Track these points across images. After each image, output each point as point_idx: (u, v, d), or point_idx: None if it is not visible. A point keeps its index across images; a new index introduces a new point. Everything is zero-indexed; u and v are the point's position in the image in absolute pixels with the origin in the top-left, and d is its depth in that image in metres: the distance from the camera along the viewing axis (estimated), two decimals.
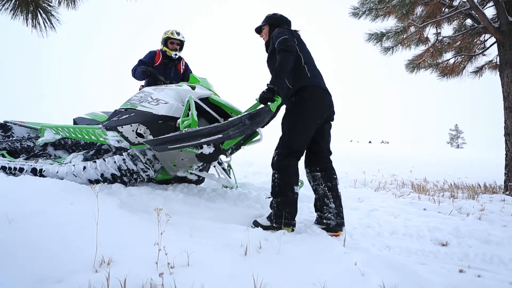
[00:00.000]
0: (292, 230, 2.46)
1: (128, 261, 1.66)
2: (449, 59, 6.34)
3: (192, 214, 2.59)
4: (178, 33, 4.12)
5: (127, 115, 3.18)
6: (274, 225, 2.44)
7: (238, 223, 2.46)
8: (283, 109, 2.84)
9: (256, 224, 2.50)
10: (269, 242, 2.06)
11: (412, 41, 5.97)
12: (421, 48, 6.19)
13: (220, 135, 2.48)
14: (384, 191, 4.54)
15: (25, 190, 2.78)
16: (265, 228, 2.41)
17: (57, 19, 2.47)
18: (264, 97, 2.46)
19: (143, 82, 4.23)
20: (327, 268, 1.73)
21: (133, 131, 3.12)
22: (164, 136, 2.73)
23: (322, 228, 2.50)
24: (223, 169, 3.86)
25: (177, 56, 4.17)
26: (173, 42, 4.12)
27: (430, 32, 6.00)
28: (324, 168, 2.65)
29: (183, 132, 2.63)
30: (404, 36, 5.84)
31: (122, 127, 3.13)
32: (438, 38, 6.06)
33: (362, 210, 3.27)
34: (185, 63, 4.38)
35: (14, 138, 4.34)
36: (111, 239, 1.86)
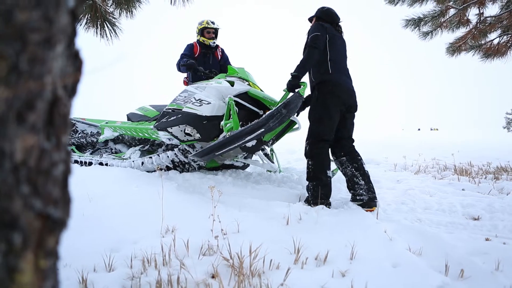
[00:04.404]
0: (328, 208, 2.71)
1: (188, 229, 2.01)
2: (494, 39, 6.17)
3: (240, 194, 2.92)
4: (213, 22, 4.38)
5: (175, 117, 3.52)
6: (312, 205, 2.71)
7: (281, 201, 2.75)
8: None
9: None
10: (309, 215, 2.33)
11: (452, 24, 5.87)
12: (462, 31, 6.06)
13: (263, 129, 2.78)
14: (424, 174, 4.61)
15: (97, 177, 3.25)
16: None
17: (120, 29, 2.92)
18: (292, 85, 2.79)
19: (185, 74, 4.60)
20: (358, 234, 1.98)
21: (181, 131, 3.49)
22: (210, 145, 3.05)
23: (358, 205, 2.74)
24: (266, 154, 4.16)
25: (215, 44, 4.45)
26: (209, 31, 4.37)
27: (471, 13, 5.87)
28: (347, 152, 2.92)
29: (227, 136, 2.93)
30: (443, 20, 5.77)
31: (171, 128, 3.52)
32: (481, 19, 5.91)
33: (398, 190, 3.41)
34: (222, 49, 4.63)
35: (80, 135, 4.99)
36: (172, 213, 2.22)
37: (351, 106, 2.96)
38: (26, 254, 0.33)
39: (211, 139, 3.44)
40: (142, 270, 1.51)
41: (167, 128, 3.56)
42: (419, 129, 37.99)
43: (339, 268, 1.58)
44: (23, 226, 0.32)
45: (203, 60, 4.44)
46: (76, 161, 4.45)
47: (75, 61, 0.39)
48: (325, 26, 2.93)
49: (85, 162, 4.38)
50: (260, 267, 1.54)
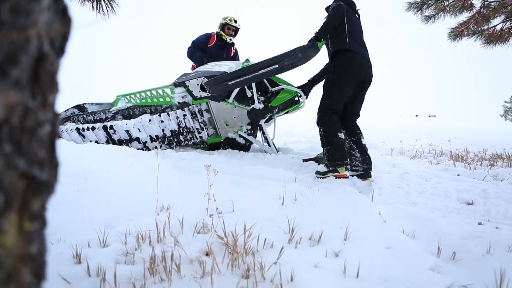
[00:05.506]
0: (346, 170, 2.86)
1: (183, 207, 2.00)
2: (497, 25, 6.08)
3: (235, 174, 2.92)
4: (235, 21, 4.51)
5: (194, 73, 3.89)
6: (330, 168, 2.88)
7: (276, 181, 2.75)
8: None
9: (317, 173, 2.96)
10: (304, 196, 2.33)
11: (455, 8, 5.77)
12: (465, 15, 5.96)
13: (277, 66, 3.00)
14: (420, 159, 4.62)
15: (93, 155, 3.23)
16: (322, 174, 2.90)
17: (116, 3, 2.86)
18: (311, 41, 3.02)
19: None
20: (352, 216, 1.98)
21: (197, 85, 3.79)
22: (226, 74, 3.32)
23: (353, 175, 2.98)
24: (266, 138, 4.19)
25: (231, 41, 4.59)
26: (229, 28, 4.52)
27: None
28: (348, 126, 3.11)
29: (242, 68, 3.17)
30: (446, 3, 5.67)
31: (189, 81, 3.83)
32: (484, 3, 5.81)
33: (394, 174, 3.41)
34: (235, 48, 4.79)
35: (89, 111, 4.97)
36: (167, 191, 2.21)
37: (365, 81, 3.08)
38: (9, 215, 0.31)
39: (222, 98, 3.75)
40: (136, 246, 1.51)
41: (185, 82, 3.87)
42: (417, 115, 38.13)
43: (333, 248, 1.58)
44: (5, 186, 0.31)
45: (217, 52, 4.58)
46: (77, 129, 4.21)
47: (63, 17, 0.37)
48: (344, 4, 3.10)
49: (88, 128, 4.13)
50: (254, 245, 1.54)
